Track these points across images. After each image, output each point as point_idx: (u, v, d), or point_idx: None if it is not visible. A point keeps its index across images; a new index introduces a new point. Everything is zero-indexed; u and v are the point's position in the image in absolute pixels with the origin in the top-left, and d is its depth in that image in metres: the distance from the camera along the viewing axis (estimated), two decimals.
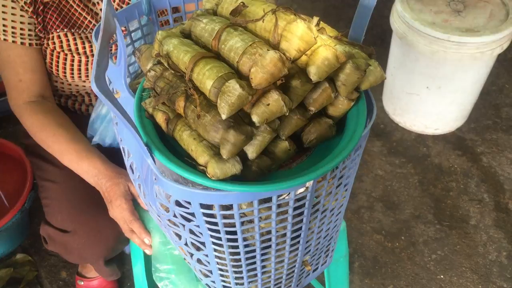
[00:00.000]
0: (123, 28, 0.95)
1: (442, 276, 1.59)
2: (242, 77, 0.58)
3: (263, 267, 0.75)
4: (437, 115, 1.98)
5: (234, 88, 0.55)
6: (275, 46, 0.60)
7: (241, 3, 0.62)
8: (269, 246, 0.71)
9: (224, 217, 0.63)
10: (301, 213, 0.67)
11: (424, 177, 1.90)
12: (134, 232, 0.98)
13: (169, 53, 0.62)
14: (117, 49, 0.88)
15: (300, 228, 0.70)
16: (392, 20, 1.84)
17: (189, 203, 0.62)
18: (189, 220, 0.66)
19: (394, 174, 1.92)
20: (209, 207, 0.62)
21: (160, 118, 0.64)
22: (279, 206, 0.63)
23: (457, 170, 1.93)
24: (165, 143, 0.65)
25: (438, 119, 2.00)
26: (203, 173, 0.59)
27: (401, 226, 1.74)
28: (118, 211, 0.98)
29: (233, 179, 0.60)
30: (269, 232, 0.68)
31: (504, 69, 2.35)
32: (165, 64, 0.63)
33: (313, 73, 0.60)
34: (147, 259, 1.07)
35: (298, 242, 0.73)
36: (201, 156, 0.59)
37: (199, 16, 0.65)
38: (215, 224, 0.64)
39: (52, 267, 1.63)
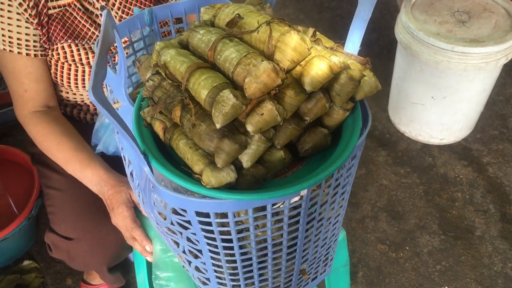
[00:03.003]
0: (126, 39, 0.97)
1: (446, 287, 1.58)
2: (237, 87, 0.60)
3: (261, 275, 0.76)
4: (443, 125, 1.98)
5: (228, 98, 0.56)
6: (270, 57, 0.61)
7: (237, 15, 0.63)
8: (266, 254, 0.71)
9: (220, 225, 0.64)
10: (297, 222, 0.67)
11: (429, 187, 1.90)
12: (136, 239, 0.99)
13: (166, 63, 0.63)
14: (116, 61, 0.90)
15: (297, 237, 0.71)
16: (397, 30, 1.85)
17: (185, 211, 0.63)
18: (186, 228, 0.67)
19: (399, 184, 1.92)
20: (205, 215, 0.63)
21: (157, 127, 0.66)
22: (274, 214, 0.64)
23: (462, 181, 1.92)
24: (163, 152, 0.67)
25: (444, 129, 2.00)
26: (198, 181, 0.60)
27: (406, 236, 1.73)
28: (120, 219, 0.99)
29: (228, 187, 0.61)
30: (265, 241, 0.68)
31: (511, 79, 2.34)
32: (163, 74, 0.64)
33: (307, 83, 0.61)
34: (150, 267, 1.08)
35: (295, 250, 0.74)
36: (197, 164, 0.61)
37: (196, 27, 0.66)
38: (211, 232, 0.65)
39: (58, 274, 1.65)
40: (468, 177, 1.93)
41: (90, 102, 1.23)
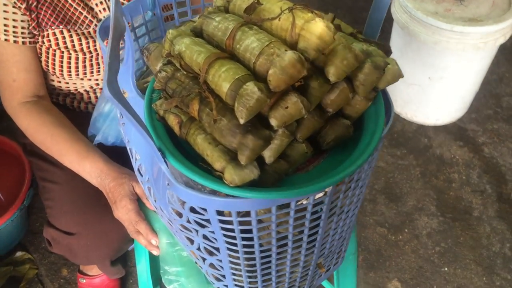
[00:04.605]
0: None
1: (446, 269, 1.58)
2: (259, 79, 0.56)
3: (278, 270, 0.74)
4: (438, 106, 1.97)
5: (252, 91, 0.53)
6: (292, 46, 0.58)
7: (256, 0, 0.59)
8: (286, 251, 0.69)
9: (241, 223, 0.61)
10: (319, 217, 0.65)
11: (426, 168, 1.89)
12: (140, 233, 0.95)
13: (181, 53, 0.59)
14: (122, 47, 0.85)
15: (317, 232, 0.68)
16: (394, 9, 1.81)
17: (205, 209, 0.60)
18: (203, 226, 0.64)
19: (396, 165, 1.91)
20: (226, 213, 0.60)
21: (172, 121, 0.62)
22: (297, 211, 0.61)
23: (458, 161, 1.92)
24: (176, 145, 0.63)
25: (439, 110, 1.99)
26: (219, 178, 0.57)
27: (404, 219, 1.73)
28: (123, 212, 0.95)
29: (251, 184, 0.57)
30: (285, 237, 0.66)
31: (504, 57, 2.34)
32: (177, 65, 0.60)
33: (332, 73, 0.58)
34: (152, 257, 1.05)
35: (314, 245, 0.72)
36: (218, 161, 0.57)
37: (210, 14, 0.62)
38: (231, 230, 0.62)
39: (52, 265, 1.61)
40: (464, 158, 1.93)
41: (84, 90, 1.17)
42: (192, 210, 0.62)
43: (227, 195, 0.57)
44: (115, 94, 0.49)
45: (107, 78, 0.48)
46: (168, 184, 0.61)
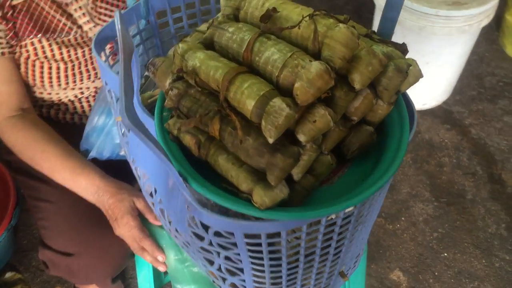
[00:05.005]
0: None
1: (445, 254, 1.59)
2: (283, 93, 0.52)
3: (303, 285, 0.71)
4: (424, 90, 1.96)
5: (280, 107, 0.49)
6: (315, 55, 0.54)
7: (272, 8, 0.55)
8: (312, 266, 0.66)
9: (269, 243, 0.58)
10: (346, 229, 0.62)
11: (416, 154, 1.89)
12: (146, 250, 0.91)
13: (195, 69, 0.55)
14: (117, 59, 0.80)
15: (343, 244, 0.65)
16: None
17: (232, 233, 0.56)
18: (227, 248, 0.61)
19: None
20: (254, 236, 0.56)
21: (189, 141, 0.58)
22: (327, 226, 0.58)
23: (448, 145, 1.92)
24: (192, 165, 0.59)
25: (425, 94, 1.98)
26: (247, 200, 0.53)
27: (400, 207, 1.72)
28: (126, 229, 0.91)
29: (280, 204, 0.54)
30: (313, 253, 0.63)
31: (483, 37, 2.35)
32: (192, 82, 0.56)
33: (357, 81, 0.55)
34: (155, 270, 1.02)
35: (339, 256, 0.69)
36: (244, 183, 0.54)
37: (222, 24, 0.58)
38: (259, 251, 0.59)
39: (45, 284, 1.55)
40: (452, 141, 1.93)
41: (69, 101, 1.11)
42: (216, 233, 0.58)
43: (257, 218, 0.54)
44: (135, 123, 0.44)
45: (124, 107, 0.44)
46: (188, 207, 0.57)
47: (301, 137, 0.52)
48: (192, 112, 0.57)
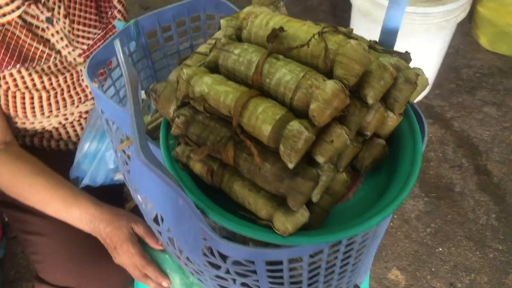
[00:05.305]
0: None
1: (440, 249, 1.60)
2: (298, 115, 0.51)
3: None
4: None
5: (299, 131, 0.48)
6: (327, 73, 0.53)
7: (279, 27, 0.53)
8: (330, 285, 0.65)
9: (291, 268, 0.56)
10: (364, 245, 0.61)
11: None
12: (149, 276, 0.88)
13: (204, 95, 0.53)
14: (110, 84, 0.77)
15: (360, 259, 0.64)
16: None
17: (252, 262, 0.54)
18: (245, 276, 0.59)
19: None
20: (276, 263, 0.55)
21: (200, 169, 0.56)
22: (347, 245, 0.57)
23: (432, 139, 1.94)
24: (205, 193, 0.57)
25: None
26: (267, 227, 0.52)
27: None
28: (127, 257, 0.88)
29: (302, 228, 0.53)
30: (332, 272, 0.62)
31: (457, 30, 2.37)
32: (200, 108, 0.54)
33: (370, 96, 0.53)
34: None
35: (356, 272, 0.68)
36: (263, 209, 0.52)
37: (226, 46, 0.56)
38: (280, 277, 0.57)
39: None
40: (436, 135, 1.95)
41: (53, 128, 1.07)
42: (235, 262, 0.56)
43: (278, 245, 0.52)
44: (151, 160, 0.42)
45: (138, 144, 0.42)
46: (204, 238, 0.55)
47: (319, 159, 0.51)
48: (202, 139, 0.54)
